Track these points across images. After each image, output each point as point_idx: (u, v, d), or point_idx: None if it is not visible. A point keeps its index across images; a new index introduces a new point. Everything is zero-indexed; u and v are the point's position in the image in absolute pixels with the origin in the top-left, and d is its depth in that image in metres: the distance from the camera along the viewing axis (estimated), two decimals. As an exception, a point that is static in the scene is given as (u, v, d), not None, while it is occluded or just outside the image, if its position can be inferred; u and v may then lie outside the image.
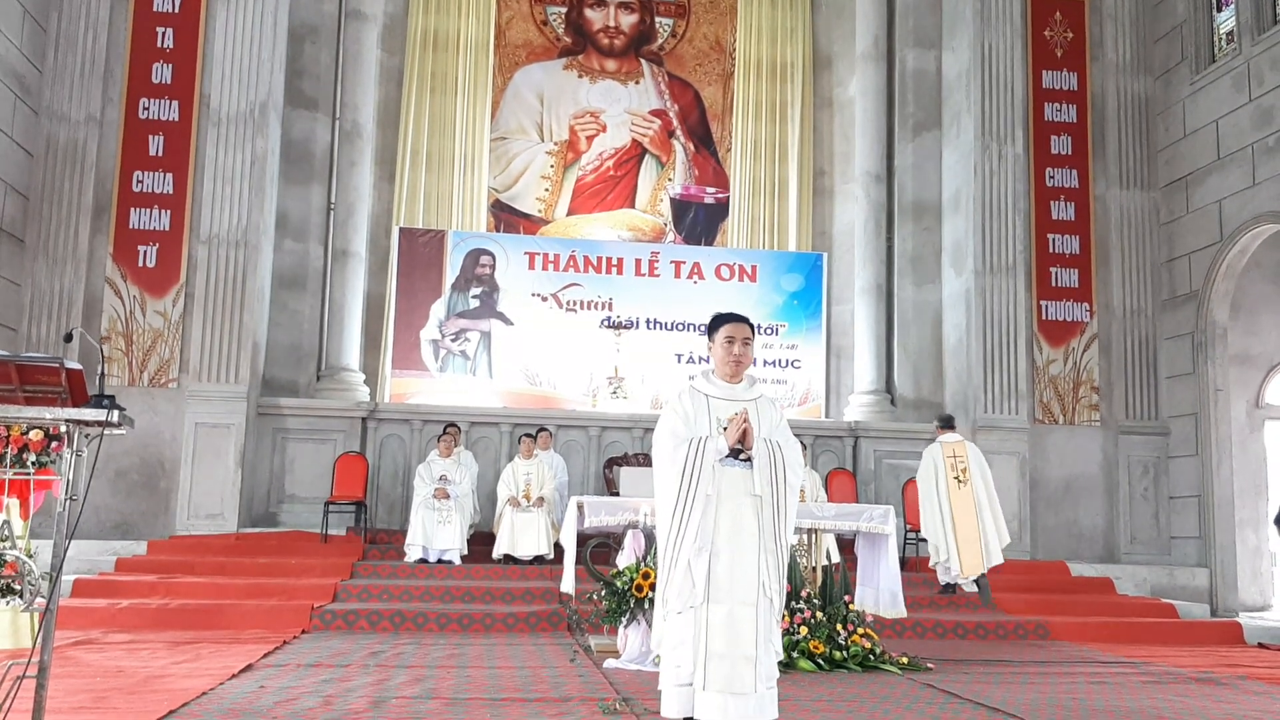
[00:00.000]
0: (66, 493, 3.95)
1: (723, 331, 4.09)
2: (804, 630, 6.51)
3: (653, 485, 9.54)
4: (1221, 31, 11.75)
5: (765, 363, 12.99)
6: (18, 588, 6.37)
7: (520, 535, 10.07)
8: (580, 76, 14.01)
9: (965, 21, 12.43)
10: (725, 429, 3.94)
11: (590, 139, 13.94)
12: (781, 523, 3.99)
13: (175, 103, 11.32)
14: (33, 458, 6.75)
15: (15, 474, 6.27)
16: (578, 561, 6.96)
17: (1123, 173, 12.45)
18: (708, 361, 4.28)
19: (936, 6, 13.16)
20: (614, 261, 13.13)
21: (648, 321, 13.03)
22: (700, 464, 3.90)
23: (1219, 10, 11.82)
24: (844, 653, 6.50)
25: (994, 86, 12.20)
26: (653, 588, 6.41)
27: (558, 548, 9.03)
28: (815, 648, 6.44)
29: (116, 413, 3.86)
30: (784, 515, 4.00)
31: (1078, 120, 12.53)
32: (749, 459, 3.93)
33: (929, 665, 6.65)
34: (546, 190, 13.81)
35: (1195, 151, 11.84)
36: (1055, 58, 12.60)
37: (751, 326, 4.17)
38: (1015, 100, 12.23)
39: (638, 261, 13.16)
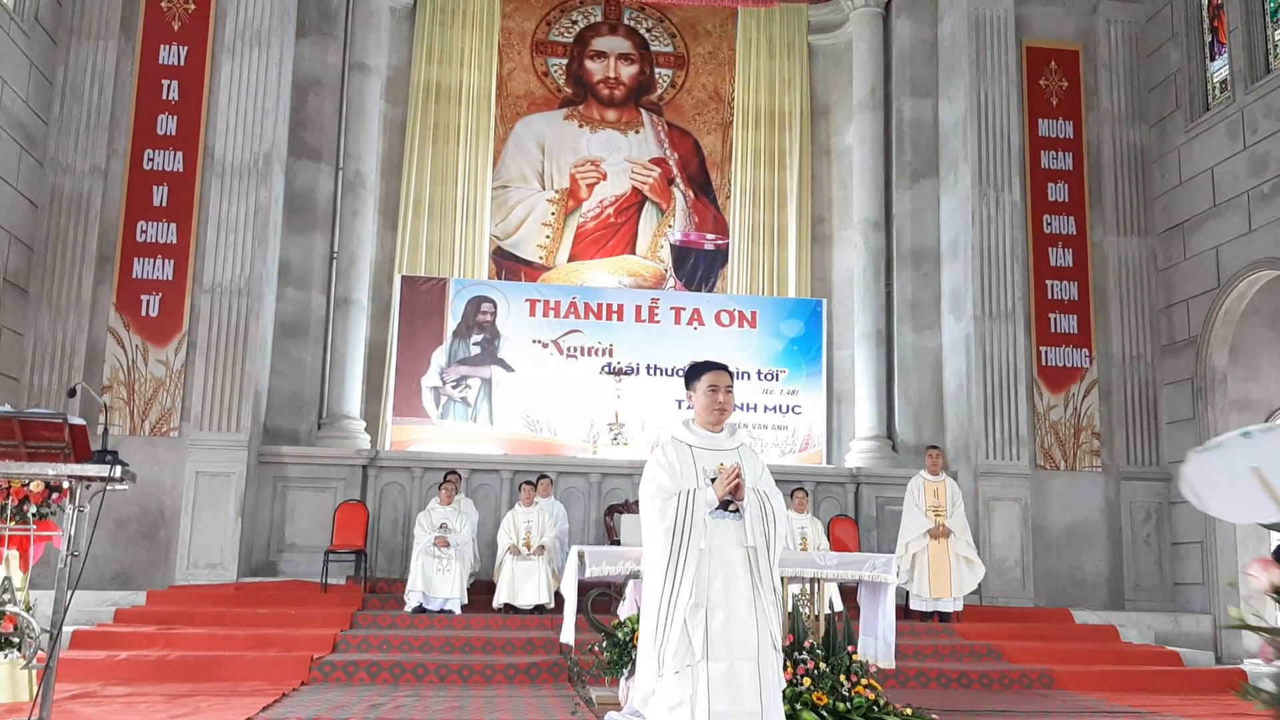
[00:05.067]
0: (68, 548, 3.96)
1: (705, 380, 4.08)
2: (807, 681, 6.46)
3: (654, 534, 9.38)
4: (1215, 80, 11.89)
5: (766, 408, 13.00)
6: (16, 641, 6.35)
7: (521, 584, 10.02)
8: (581, 126, 14.15)
9: (961, 71, 12.58)
10: (714, 480, 3.89)
11: (591, 187, 14.05)
12: (774, 574, 3.95)
13: (179, 154, 11.43)
14: (33, 509, 6.75)
15: (15, 529, 6.25)
16: (578, 611, 6.92)
17: (1120, 219, 12.54)
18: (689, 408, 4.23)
19: (932, 57, 13.33)
20: (614, 308, 13.17)
21: (648, 368, 13.05)
22: (691, 518, 3.83)
23: (1212, 59, 11.96)
24: (848, 704, 6.44)
25: (990, 135, 12.32)
26: (653, 639, 6.38)
27: (558, 597, 8.98)
28: (819, 699, 6.39)
29: (119, 468, 3.89)
30: (775, 566, 3.96)
31: (1074, 168, 12.64)
32: (736, 510, 3.89)
33: (934, 717, 6.60)
34: (548, 237, 13.89)
35: (1191, 198, 11.94)
36: (1051, 106, 12.74)
37: (731, 374, 4.17)
38: (1012, 148, 12.34)
39: (638, 308, 13.21)
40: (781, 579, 5.70)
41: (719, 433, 4.07)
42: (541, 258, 13.83)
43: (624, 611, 6.78)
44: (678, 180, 14.18)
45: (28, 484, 6.42)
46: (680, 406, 12.94)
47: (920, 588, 10.21)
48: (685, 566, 3.81)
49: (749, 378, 13.06)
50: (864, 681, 6.58)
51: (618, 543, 10.43)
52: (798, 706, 6.32)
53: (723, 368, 4.13)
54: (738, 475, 3.85)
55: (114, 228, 11.25)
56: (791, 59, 14.40)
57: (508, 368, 12.88)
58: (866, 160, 13.51)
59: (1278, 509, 2.14)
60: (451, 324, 12.86)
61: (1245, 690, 2.44)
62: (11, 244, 10.59)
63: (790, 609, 6.58)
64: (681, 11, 14.50)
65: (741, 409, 12.92)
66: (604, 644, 6.59)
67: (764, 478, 4.06)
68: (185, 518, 10.67)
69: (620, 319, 13.14)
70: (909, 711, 6.56)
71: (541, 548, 10.21)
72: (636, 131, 14.23)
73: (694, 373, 4.14)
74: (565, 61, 14.28)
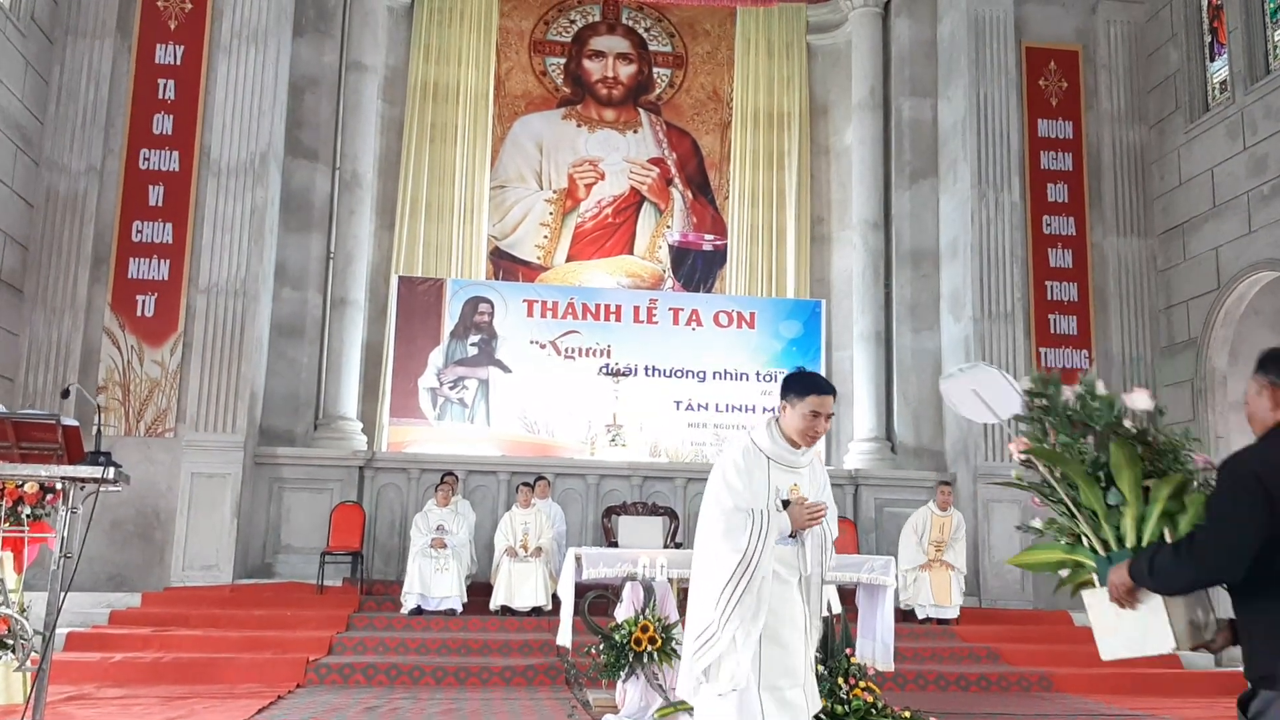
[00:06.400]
0: (61, 550, 3.92)
1: (810, 402, 3.71)
2: (805, 684, 6.42)
3: (651, 535, 9.41)
4: (1215, 81, 11.86)
5: (764, 409, 12.95)
6: (10, 643, 6.30)
7: (518, 586, 9.98)
8: (579, 126, 14.12)
9: (960, 71, 12.55)
10: (784, 503, 3.69)
11: (589, 187, 14.01)
12: (820, 603, 3.82)
13: (175, 153, 11.39)
14: (28, 510, 6.70)
15: (9, 530, 6.21)
16: (575, 614, 6.88)
17: (1119, 220, 12.52)
18: (773, 414, 3.88)
19: (932, 57, 13.30)
20: (612, 309, 13.13)
21: (646, 369, 13.01)
22: (765, 541, 3.60)
23: (1212, 60, 11.94)
24: (845, 707, 6.40)
25: (990, 135, 12.29)
26: (650, 641, 6.33)
27: (555, 598, 8.95)
28: (817, 702, 6.35)
29: (112, 469, 3.85)
30: (822, 594, 3.83)
31: (1073, 168, 12.62)
32: (795, 535, 3.71)
33: (932, 719, 6.57)
34: (545, 237, 13.85)
35: (1191, 199, 11.91)
36: (1050, 107, 12.72)
37: (835, 397, 3.89)
38: (1011, 149, 12.32)
39: (636, 309, 13.17)
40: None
41: (797, 449, 3.80)
42: (539, 258, 13.79)
43: (621, 614, 6.74)
44: (676, 180, 14.14)
45: (22, 485, 6.37)
46: (678, 408, 12.92)
47: (922, 599, 10.22)
48: (749, 588, 3.59)
49: (747, 379, 13.02)
50: (862, 684, 6.54)
51: (615, 545, 10.39)
52: (796, 710, 6.28)
53: (832, 392, 3.81)
54: (821, 514, 3.67)
55: (109, 227, 11.20)
56: (790, 59, 14.36)
57: (505, 368, 12.84)
58: (865, 160, 13.48)
59: (992, 415, 3.18)
60: (449, 324, 12.82)
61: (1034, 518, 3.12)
62: (6, 244, 10.54)
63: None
64: (680, 11, 14.47)
65: (740, 410, 12.89)
66: (601, 646, 6.55)
67: (825, 492, 3.88)
68: (181, 519, 10.62)
69: (618, 320, 13.10)
70: (907, 714, 6.52)
71: (539, 549, 10.17)
72: (635, 131, 14.20)
73: (800, 387, 3.77)
74: (563, 61, 14.25)
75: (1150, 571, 2.64)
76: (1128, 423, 2.85)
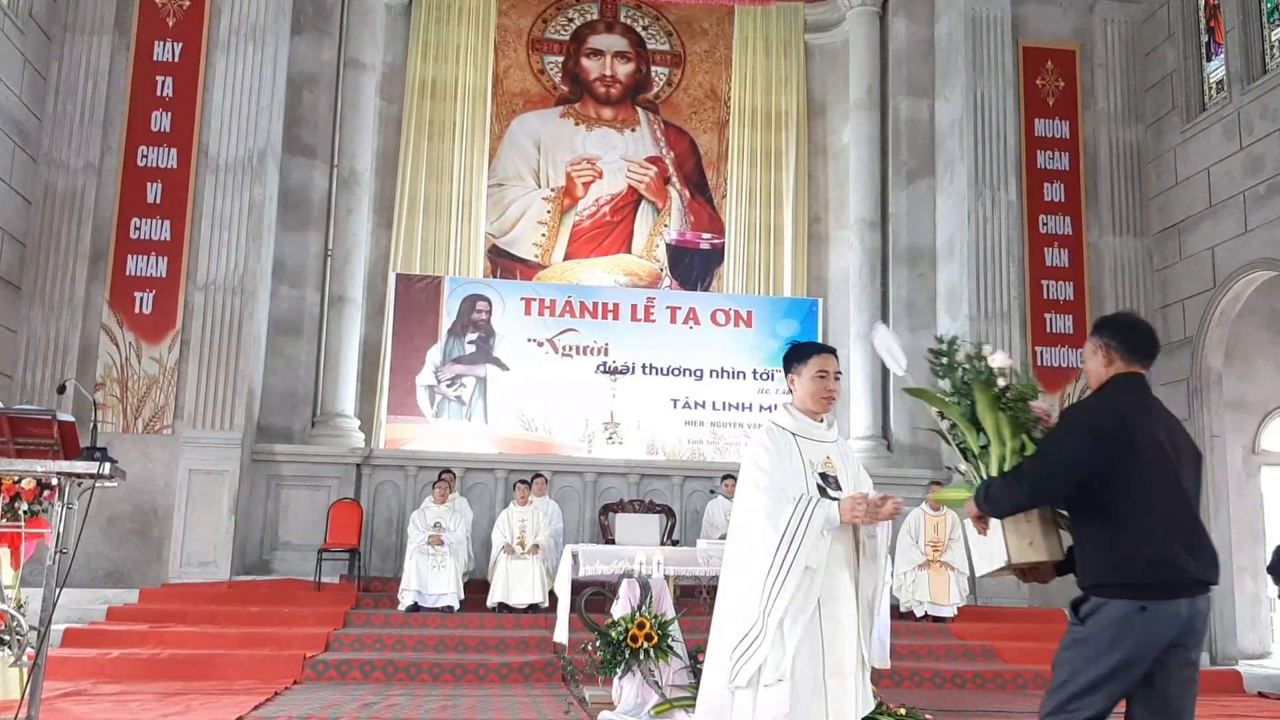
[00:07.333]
0: (57, 545, 3.93)
1: (814, 364, 3.74)
2: (800, 681, 6.43)
3: (648, 533, 9.42)
4: (1211, 81, 11.88)
5: (761, 408, 12.97)
6: (6, 639, 6.31)
7: (515, 583, 10.00)
8: (577, 124, 14.13)
9: (957, 71, 12.57)
10: (822, 476, 3.61)
11: (587, 185, 14.02)
12: (879, 591, 3.71)
13: (174, 150, 11.39)
14: (25, 506, 6.71)
15: (5, 526, 6.22)
16: (572, 610, 6.89)
17: (1115, 220, 12.54)
18: (786, 403, 3.85)
19: (929, 56, 13.32)
20: (610, 307, 13.15)
21: (643, 367, 13.03)
22: (808, 523, 3.46)
23: (1209, 60, 11.96)
24: (841, 704, 6.41)
25: (987, 134, 12.31)
26: (647, 638, 6.35)
27: (552, 595, 8.96)
28: (812, 699, 6.36)
29: (108, 465, 3.86)
30: (883, 582, 3.73)
31: (1070, 168, 12.64)
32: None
33: (928, 717, 6.58)
34: (543, 236, 13.87)
35: (1187, 199, 11.93)
36: (1047, 106, 12.74)
37: (838, 357, 3.88)
38: (1008, 148, 12.33)
39: (634, 307, 13.19)
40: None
41: (819, 421, 3.77)
42: (537, 256, 13.81)
43: (618, 611, 6.76)
44: (674, 179, 14.16)
45: (19, 481, 6.38)
46: (675, 406, 12.94)
47: (919, 596, 10.26)
48: (793, 571, 3.45)
49: (744, 377, 13.04)
50: (858, 681, 6.55)
51: (612, 542, 10.40)
52: (791, 706, 6.28)
53: (832, 351, 3.83)
54: (894, 510, 3.53)
55: (107, 224, 11.20)
56: (788, 58, 14.38)
57: (503, 366, 12.85)
58: (863, 160, 13.50)
59: (897, 366, 3.78)
60: (446, 322, 12.83)
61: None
62: (4, 240, 10.55)
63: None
64: (678, 10, 14.49)
65: (737, 409, 12.91)
66: (597, 643, 6.56)
67: (862, 478, 3.81)
68: (178, 515, 10.63)
69: (616, 318, 13.11)
70: (903, 711, 6.53)
71: (536, 547, 10.19)
72: (633, 130, 14.21)
73: (800, 355, 3.79)
74: (561, 59, 14.26)
75: (986, 498, 3.16)
76: (1001, 381, 3.34)
